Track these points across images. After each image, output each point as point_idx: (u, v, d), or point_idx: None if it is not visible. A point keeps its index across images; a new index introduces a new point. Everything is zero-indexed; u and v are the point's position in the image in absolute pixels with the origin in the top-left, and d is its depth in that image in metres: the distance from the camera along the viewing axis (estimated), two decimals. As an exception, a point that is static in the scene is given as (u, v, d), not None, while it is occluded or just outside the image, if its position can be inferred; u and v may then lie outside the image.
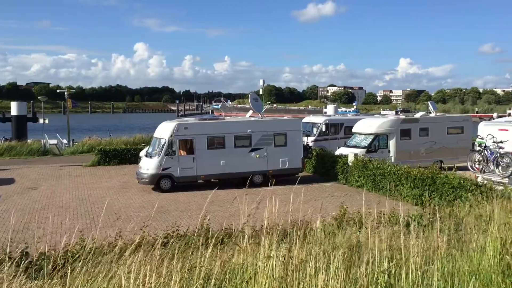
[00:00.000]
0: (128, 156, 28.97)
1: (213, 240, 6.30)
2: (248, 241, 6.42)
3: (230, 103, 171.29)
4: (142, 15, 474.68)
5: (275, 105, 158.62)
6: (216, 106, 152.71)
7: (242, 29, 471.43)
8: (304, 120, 29.76)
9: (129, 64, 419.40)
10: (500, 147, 16.98)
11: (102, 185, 21.83)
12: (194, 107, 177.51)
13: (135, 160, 26.80)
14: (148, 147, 22.46)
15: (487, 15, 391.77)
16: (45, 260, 7.17)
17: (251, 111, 24.99)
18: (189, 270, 5.17)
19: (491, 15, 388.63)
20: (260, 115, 22.96)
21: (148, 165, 20.33)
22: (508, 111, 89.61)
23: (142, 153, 23.47)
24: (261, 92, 30.23)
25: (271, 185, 20.60)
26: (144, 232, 8.81)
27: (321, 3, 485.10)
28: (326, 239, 7.31)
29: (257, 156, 21.11)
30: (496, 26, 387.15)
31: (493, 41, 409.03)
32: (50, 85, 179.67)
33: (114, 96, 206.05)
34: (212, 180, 21.35)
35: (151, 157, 20.55)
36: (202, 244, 7.39)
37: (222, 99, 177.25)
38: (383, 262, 5.29)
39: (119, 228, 9.55)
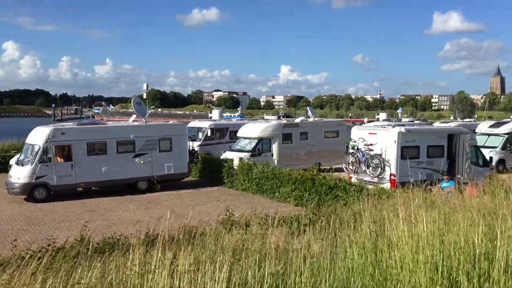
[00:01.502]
0: (-5, 164, 26.32)
1: (94, 252, 5.97)
2: (133, 251, 6.20)
3: (112, 107, 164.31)
4: (13, 12, 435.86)
5: (159, 109, 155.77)
6: (96, 111, 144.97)
7: (125, 31, 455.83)
8: (190, 124, 29.62)
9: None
10: (370, 150, 18.50)
11: (-36, 197, 19.55)
12: (72, 111, 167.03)
13: (5, 168, 24.48)
14: (19, 154, 20.64)
15: (358, 28, 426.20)
16: None
17: (134, 116, 24.23)
18: (66, 287, 4.83)
19: (361, 29, 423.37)
20: (144, 120, 22.37)
21: (19, 174, 18.68)
22: (377, 116, 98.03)
23: (12, 161, 21.52)
24: (145, 96, 29.58)
25: (156, 190, 20.42)
26: (15, 246, 8.06)
27: (206, 8, 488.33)
28: (213, 244, 7.32)
29: (141, 161, 20.52)
30: (366, 38, 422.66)
31: (364, 52, 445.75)
32: None
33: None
34: (93, 188, 20.32)
35: (23, 165, 18.92)
36: (82, 256, 6.97)
37: (103, 103, 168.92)
38: (270, 263, 5.44)
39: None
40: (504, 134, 27.60)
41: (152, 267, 5.12)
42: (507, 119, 46.18)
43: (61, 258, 7.25)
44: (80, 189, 19.89)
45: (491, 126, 29.13)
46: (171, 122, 27.17)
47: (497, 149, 26.78)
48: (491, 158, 23.29)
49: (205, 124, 29.98)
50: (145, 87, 30.01)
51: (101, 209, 17.42)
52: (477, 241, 4.99)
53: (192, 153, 24.01)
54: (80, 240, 8.58)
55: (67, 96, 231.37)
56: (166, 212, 16.76)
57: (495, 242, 4.89)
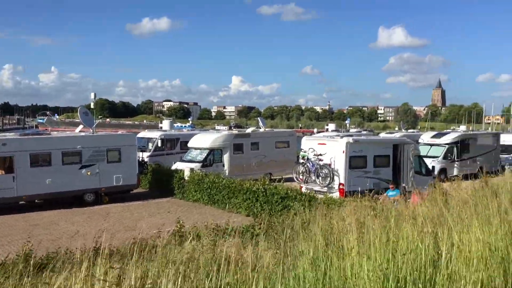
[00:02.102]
0: None
1: (38, 268, 5.71)
2: (79, 266, 5.98)
3: (57, 117, 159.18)
4: None
5: (108, 119, 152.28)
6: (41, 120, 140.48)
7: (71, 39, 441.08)
8: (139, 135, 29.11)
9: None
10: (320, 159, 18.83)
11: None
12: (15, 121, 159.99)
13: None
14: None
15: (307, 41, 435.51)
16: None
17: (81, 126, 23.55)
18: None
19: (310, 41, 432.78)
20: (91, 130, 21.76)
21: (-45, 187, 17.65)
22: (326, 127, 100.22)
23: None
24: (92, 106, 28.74)
25: (104, 203, 19.85)
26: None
27: (157, 18, 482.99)
28: (163, 256, 7.18)
29: (88, 173, 19.91)
30: (315, 50, 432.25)
31: (313, 64, 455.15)
32: None
33: None
34: (36, 200, 19.48)
35: (-41, 177, 17.91)
36: (25, 272, 6.66)
37: (48, 112, 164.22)
38: (222, 276, 5.40)
39: None
40: (445, 144, 28.91)
41: (98, 283, 4.96)
42: (448, 130, 48.50)
43: (1, 275, 6.90)
44: (23, 202, 19.03)
45: (433, 137, 30.45)
46: (119, 132, 26.55)
47: (439, 158, 27.99)
48: (433, 167, 24.28)
49: (155, 134, 29.55)
50: (92, 96, 29.21)
51: (45, 222, 16.73)
52: (423, 248, 5.17)
53: (141, 163, 23.57)
54: (23, 256, 8.19)
55: (9, 105, 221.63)
56: (114, 224, 16.41)
57: (439, 249, 5.09)
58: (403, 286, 4.54)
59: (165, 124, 55.28)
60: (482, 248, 5.04)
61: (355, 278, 4.91)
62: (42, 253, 8.89)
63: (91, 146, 20.14)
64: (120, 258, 6.72)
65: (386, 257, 5.00)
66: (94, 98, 29.26)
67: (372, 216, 9.49)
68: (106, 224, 16.19)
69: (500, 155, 32.44)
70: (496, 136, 33.82)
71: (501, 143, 33.05)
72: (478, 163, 30.16)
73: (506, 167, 28.67)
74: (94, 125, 22.21)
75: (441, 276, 4.49)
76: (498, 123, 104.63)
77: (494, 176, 19.71)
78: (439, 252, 4.96)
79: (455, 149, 28.92)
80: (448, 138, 29.42)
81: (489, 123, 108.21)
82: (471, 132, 38.00)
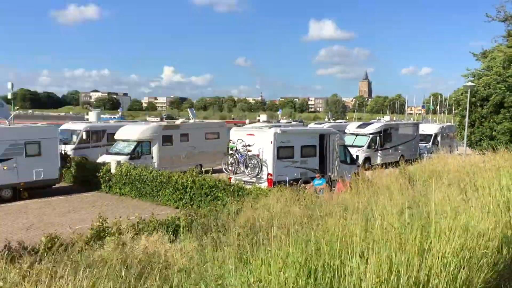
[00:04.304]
0: None
1: None
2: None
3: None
4: None
5: (30, 111, 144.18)
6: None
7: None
8: (63, 127, 27.80)
9: None
10: (248, 150, 18.93)
11: None
12: None
13: None
14: None
15: (239, 33, 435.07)
16: None
17: (-3, 118, 22.09)
18: None
19: (242, 33, 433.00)
20: (7, 122, 20.45)
21: None
22: (258, 118, 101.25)
23: None
24: (9, 97, 26.95)
25: (23, 198, 18.81)
26: None
27: (84, 5, 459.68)
28: (80, 254, 6.90)
29: (5, 167, 18.72)
30: (247, 42, 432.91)
31: (246, 55, 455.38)
32: None
33: None
34: None
35: None
36: None
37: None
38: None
39: None
40: (369, 134, 30.14)
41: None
42: (373, 120, 50.64)
43: None
44: None
45: (358, 127, 31.64)
46: (39, 124, 25.17)
47: (364, 147, 29.17)
48: (357, 156, 25.22)
49: (79, 126, 28.34)
50: (9, 86, 27.33)
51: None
52: (338, 237, 5.31)
53: (64, 157, 22.51)
54: None
55: None
56: (33, 221, 15.62)
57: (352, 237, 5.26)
58: (318, 276, 4.62)
59: (92, 115, 53.26)
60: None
61: (274, 271, 4.94)
62: None
63: (7, 139, 18.93)
64: (31, 256, 6.38)
65: (302, 248, 5.07)
66: (12, 88, 27.39)
67: (296, 205, 9.70)
68: (25, 221, 15.38)
69: (419, 144, 34.39)
70: (416, 125, 35.75)
71: (420, 132, 35.02)
72: (400, 151, 31.81)
73: (424, 155, 30.40)
74: (10, 117, 20.89)
75: (353, 260, 4.62)
76: (419, 114, 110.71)
77: (413, 163, 20.86)
78: (351, 239, 5.13)
79: (378, 138, 30.24)
80: (371, 128, 30.68)
81: (411, 114, 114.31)
82: (393, 122, 39.90)
